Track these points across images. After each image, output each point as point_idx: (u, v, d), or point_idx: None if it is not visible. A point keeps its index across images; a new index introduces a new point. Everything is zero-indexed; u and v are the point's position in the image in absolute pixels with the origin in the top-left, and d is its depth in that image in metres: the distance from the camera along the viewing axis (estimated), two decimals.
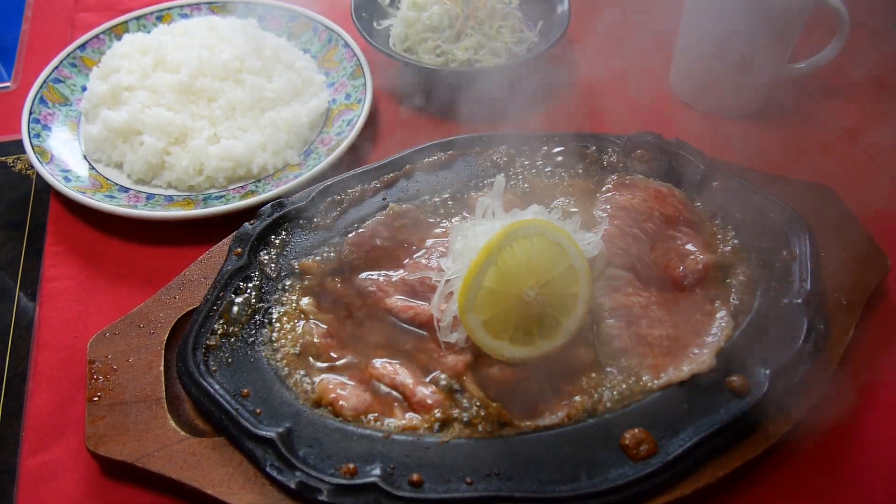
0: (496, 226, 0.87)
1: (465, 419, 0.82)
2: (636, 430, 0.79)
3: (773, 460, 0.83)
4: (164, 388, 0.85)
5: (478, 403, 0.82)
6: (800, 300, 0.89)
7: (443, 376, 0.85)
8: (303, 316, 0.91)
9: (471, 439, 0.80)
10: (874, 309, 0.95)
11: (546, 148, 1.08)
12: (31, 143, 1.11)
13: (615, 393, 0.84)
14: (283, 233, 0.99)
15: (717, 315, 0.90)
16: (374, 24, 1.29)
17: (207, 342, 0.87)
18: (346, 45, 1.26)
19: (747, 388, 0.82)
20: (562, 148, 1.08)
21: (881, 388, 0.90)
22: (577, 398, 0.83)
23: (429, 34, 1.23)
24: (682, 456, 0.77)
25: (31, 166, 1.13)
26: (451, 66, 1.22)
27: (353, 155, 1.13)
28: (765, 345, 0.86)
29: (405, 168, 1.06)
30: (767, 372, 0.83)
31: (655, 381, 0.84)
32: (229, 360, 0.86)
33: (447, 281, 0.87)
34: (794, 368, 0.83)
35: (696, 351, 0.86)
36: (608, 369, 0.86)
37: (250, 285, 0.93)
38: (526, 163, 1.07)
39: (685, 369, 0.84)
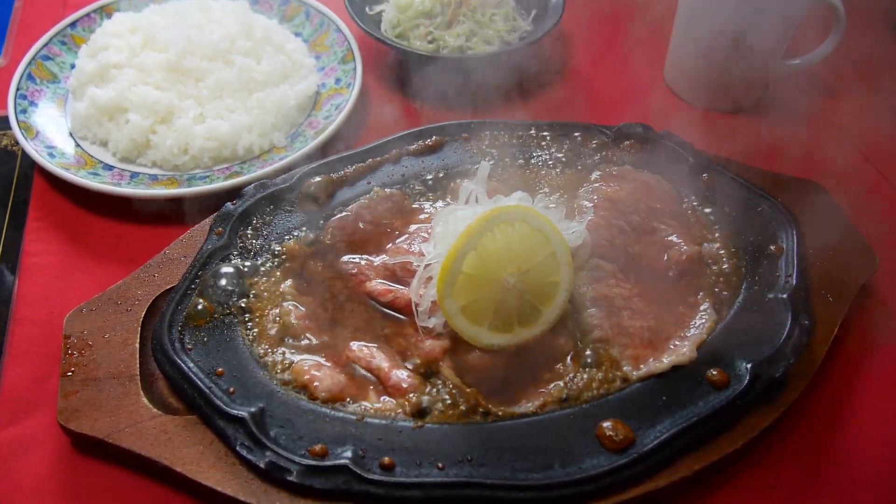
0: (478, 211, 0.86)
1: (440, 404, 0.81)
2: (613, 421, 0.78)
3: (753, 456, 0.82)
4: (138, 366, 0.84)
5: (454, 389, 0.81)
6: (785, 295, 0.88)
7: (419, 361, 0.84)
8: (282, 297, 0.90)
9: (445, 425, 0.79)
10: (862, 307, 0.94)
11: (534, 137, 1.07)
12: (16, 118, 1.10)
13: (593, 383, 0.83)
14: (266, 214, 0.98)
15: (700, 308, 0.89)
16: (367, 8, 1.28)
17: (184, 320, 0.86)
18: (338, 29, 1.25)
19: (727, 382, 0.81)
20: (550, 137, 1.07)
21: (866, 386, 0.89)
22: (555, 386, 0.82)
23: (421, 20, 1.22)
24: (658, 448, 0.76)
25: (17, 142, 1.12)
26: (442, 53, 1.21)
27: (341, 139, 1.13)
28: (747, 339, 0.85)
29: (391, 153, 1.05)
30: (749, 366, 0.81)
31: (635, 372, 0.83)
32: (205, 338, 0.85)
33: (427, 265, 0.87)
34: (776, 363, 0.82)
35: (678, 343, 0.85)
36: (587, 359, 0.85)
37: (230, 265, 0.92)
38: (513, 151, 1.06)
39: (665, 361, 0.83)
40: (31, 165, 1.12)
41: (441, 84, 1.18)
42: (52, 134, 1.12)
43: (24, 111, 1.12)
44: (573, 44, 1.35)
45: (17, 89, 1.14)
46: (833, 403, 0.87)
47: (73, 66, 1.20)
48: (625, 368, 0.83)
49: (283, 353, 0.85)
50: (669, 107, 1.25)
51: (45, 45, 1.21)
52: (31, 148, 1.06)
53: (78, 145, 1.11)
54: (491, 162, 0.98)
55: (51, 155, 1.07)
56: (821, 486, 0.81)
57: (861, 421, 0.86)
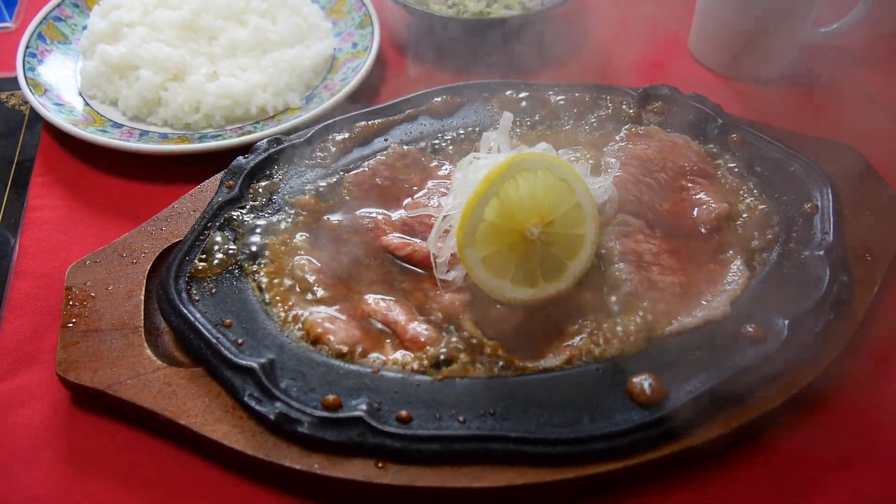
0: (500, 160, 0.82)
1: (460, 357, 0.76)
2: (644, 375, 0.73)
3: (792, 415, 0.76)
4: (142, 318, 0.81)
5: (474, 341, 0.77)
6: (822, 252, 0.84)
7: (439, 314, 0.80)
8: (295, 251, 0.86)
9: (465, 378, 0.74)
10: None
11: (558, 97, 1.04)
12: (24, 75, 1.08)
13: (623, 337, 0.78)
14: (279, 169, 0.94)
15: (732, 264, 0.85)
16: None
17: (191, 271, 0.82)
18: None
19: (764, 338, 0.76)
20: (575, 98, 1.03)
21: None
22: (581, 340, 0.77)
23: None
24: (693, 402, 0.71)
25: (25, 102, 1.09)
26: (462, 17, 1.17)
27: (357, 102, 1.09)
28: (784, 296, 0.81)
29: (410, 111, 1.02)
30: (787, 321, 0.77)
31: (667, 328, 0.78)
32: (213, 290, 0.81)
33: (444, 216, 0.82)
34: (815, 319, 0.78)
35: (710, 298, 0.81)
36: (616, 314, 0.80)
37: (241, 217, 0.88)
38: (535, 111, 1.02)
39: (699, 315, 0.79)
40: (37, 124, 1.09)
41: (461, 49, 1.15)
42: (61, 92, 1.09)
43: (33, 69, 1.10)
44: (595, 10, 1.32)
45: (27, 47, 1.12)
46: (875, 363, 0.82)
47: (84, 29, 1.17)
48: (655, 323, 0.79)
49: (296, 306, 0.81)
50: (694, 75, 1.21)
51: (57, 6, 1.19)
52: (38, 103, 1.03)
53: (87, 104, 1.08)
54: (510, 112, 0.94)
55: (59, 112, 1.04)
56: (865, 444, 0.76)
57: None
